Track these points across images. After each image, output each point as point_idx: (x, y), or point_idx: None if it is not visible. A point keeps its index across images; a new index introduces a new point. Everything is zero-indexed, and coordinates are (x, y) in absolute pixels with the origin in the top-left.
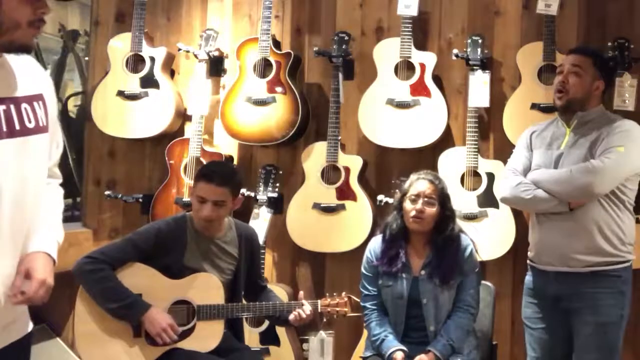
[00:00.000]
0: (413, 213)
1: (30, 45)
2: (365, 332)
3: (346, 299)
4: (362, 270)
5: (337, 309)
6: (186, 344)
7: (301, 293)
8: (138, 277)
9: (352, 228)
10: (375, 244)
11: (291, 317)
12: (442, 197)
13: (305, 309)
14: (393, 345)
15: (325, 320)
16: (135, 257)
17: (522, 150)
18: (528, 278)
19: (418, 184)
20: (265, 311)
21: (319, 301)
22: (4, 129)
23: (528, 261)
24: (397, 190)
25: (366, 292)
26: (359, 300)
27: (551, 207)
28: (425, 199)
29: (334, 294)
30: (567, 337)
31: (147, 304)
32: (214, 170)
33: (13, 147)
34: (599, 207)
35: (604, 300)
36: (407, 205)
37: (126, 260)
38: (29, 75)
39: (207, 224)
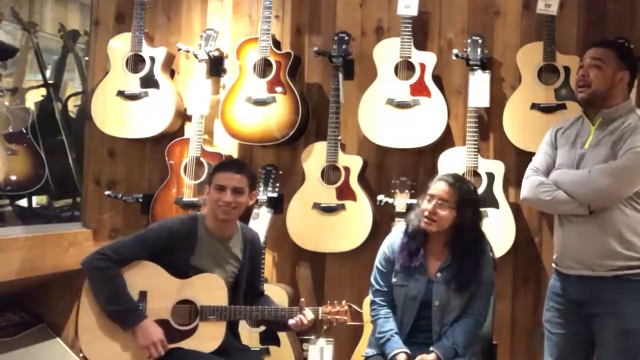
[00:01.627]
0: (426, 213)
1: None
2: (365, 332)
3: (346, 307)
4: (377, 264)
5: (337, 317)
6: (188, 344)
7: (302, 300)
8: (144, 275)
9: (352, 228)
10: (394, 239)
11: (292, 322)
12: (460, 202)
13: (307, 315)
14: (397, 347)
15: (325, 327)
16: (146, 254)
17: (546, 147)
18: (552, 282)
19: (437, 184)
20: (268, 316)
21: (320, 308)
22: None
23: (552, 264)
24: (396, 192)
25: (377, 287)
26: (359, 309)
27: (571, 210)
28: (439, 201)
29: (335, 302)
30: (586, 344)
31: (142, 314)
32: (231, 161)
33: None
34: (621, 210)
35: (626, 306)
36: (424, 204)
37: (136, 257)
38: None
39: (226, 216)
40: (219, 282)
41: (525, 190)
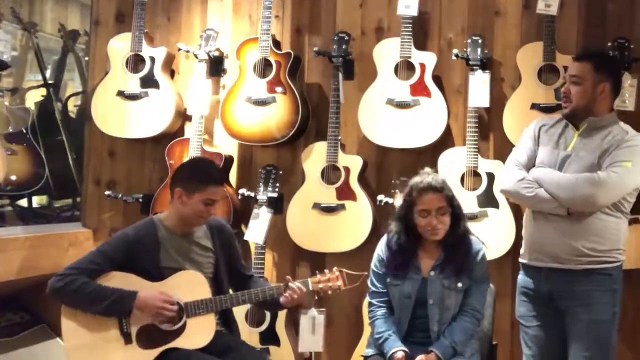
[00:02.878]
0: (428, 229)
1: None
2: (365, 331)
3: (337, 273)
4: (372, 266)
5: (330, 284)
6: (179, 343)
7: (288, 277)
8: (118, 285)
9: (352, 228)
10: (387, 246)
11: (282, 299)
12: (449, 202)
13: (296, 289)
14: (395, 346)
15: (316, 298)
16: (109, 267)
17: (528, 141)
18: (520, 277)
19: (425, 198)
20: (255, 298)
21: (309, 279)
22: None
23: (519, 259)
24: (396, 192)
25: (374, 289)
26: (353, 272)
27: (550, 209)
28: (438, 212)
29: (325, 270)
30: (561, 334)
31: (132, 291)
32: (215, 172)
33: None
34: (598, 214)
35: (596, 298)
36: (420, 220)
37: (99, 271)
38: None
39: (198, 225)
40: (197, 276)
41: (506, 182)
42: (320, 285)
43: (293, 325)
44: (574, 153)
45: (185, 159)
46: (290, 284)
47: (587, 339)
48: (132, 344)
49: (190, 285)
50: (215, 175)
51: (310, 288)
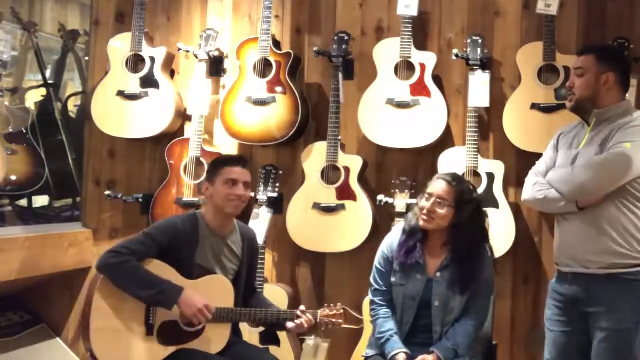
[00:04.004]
0: (424, 211)
1: None
2: (366, 331)
3: (342, 311)
4: (376, 264)
5: (334, 320)
6: (194, 345)
7: (302, 307)
8: (157, 274)
9: (352, 228)
10: (393, 239)
11: (292, 325)
12: (458, 201)
13: (307, 321)
14: (397, 347)
15: (323, 329)
16: (154, 251)
17: (549, 151)
18: (553, 280)
19: (435, 183)
20: (270, 319)
21: (319, 312)
22: None
23: (555, 263)
24: (396, 192)
25: (376, 287)
26: (356, 314)
27: (561, 208)
28: (438, 200)
29: (331, 305)
30: (585, 342)
31: (180, 287)
32: (237, 156)
33: None
34: (614, 207)
35: (619, 305)
36: (422, 202)
37: (147, 254)
38: None
39: (236, 210)
40: (227, 284)
41: (525, 191)
42: (326, 320)
43: None
44: (583, 149)
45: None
46: (302, 315)
47: (608, 347)
48: (152, 337)
49: (219, 291)
50: (230, 157)
51: (318, 321)
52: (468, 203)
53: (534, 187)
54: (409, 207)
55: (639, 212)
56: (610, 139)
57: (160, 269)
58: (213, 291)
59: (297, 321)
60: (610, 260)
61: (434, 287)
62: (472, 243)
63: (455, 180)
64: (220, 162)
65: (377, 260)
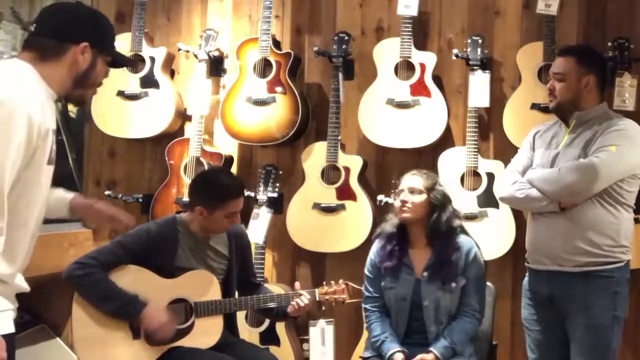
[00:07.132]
0: (398, 204)
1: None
2: (365, 333)
3: (344, 285)
4: (365, 272)
5: (335, 296)
6: (186, 342)
7: (297, 284)
8: (131, 279)
9: (352, 228)
10: (378, 245)
11: (289, 308)
12: (428, 187)
13: (303, 298)
14: (393, 347)
15: (323, 308)
16: (127, 259)
17: (525, 150)
18: (525, 280)
19: (405, 179)
20: (263, 303)
21: (316, 290)
22: (53, 156)
23: (525, 262)
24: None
25: (367, 294)
26: (357, 286)
27: (543, 207)
28: (409, 192)
29: (332, 281)
30: (563, 338)
31: (143, 302)
32: (232, 184)
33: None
34: (593, 207)
35: (595, 301)
36: (396, 202)
37: (117, 263)
38: None
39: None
40: (209, 277)
41: (502, 189)
42: (327, 297)
43: (293, 325)
44: (563, 150)
45: (197, 174)
46: (299, 293)
47: (585, 343)
48: (140, 339)
49: (201, 285)
50: (233, 187)
51: (317, 299)
52: (436, 185)
53: (513, 186)
54: (385, 210)
55: (617, 212)
56: (593, 142)
57: (137, 274)
58: (195, 285)
59: (293, 302)
60: (586, 259)
61: (422, 287)
62: (447, 224)
63: (423, 173)
64: (223, 195)
65: (366, 267)
